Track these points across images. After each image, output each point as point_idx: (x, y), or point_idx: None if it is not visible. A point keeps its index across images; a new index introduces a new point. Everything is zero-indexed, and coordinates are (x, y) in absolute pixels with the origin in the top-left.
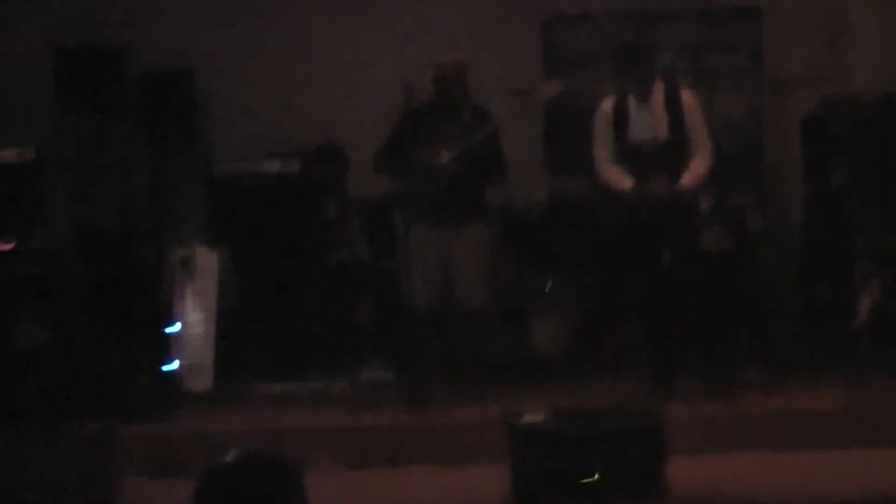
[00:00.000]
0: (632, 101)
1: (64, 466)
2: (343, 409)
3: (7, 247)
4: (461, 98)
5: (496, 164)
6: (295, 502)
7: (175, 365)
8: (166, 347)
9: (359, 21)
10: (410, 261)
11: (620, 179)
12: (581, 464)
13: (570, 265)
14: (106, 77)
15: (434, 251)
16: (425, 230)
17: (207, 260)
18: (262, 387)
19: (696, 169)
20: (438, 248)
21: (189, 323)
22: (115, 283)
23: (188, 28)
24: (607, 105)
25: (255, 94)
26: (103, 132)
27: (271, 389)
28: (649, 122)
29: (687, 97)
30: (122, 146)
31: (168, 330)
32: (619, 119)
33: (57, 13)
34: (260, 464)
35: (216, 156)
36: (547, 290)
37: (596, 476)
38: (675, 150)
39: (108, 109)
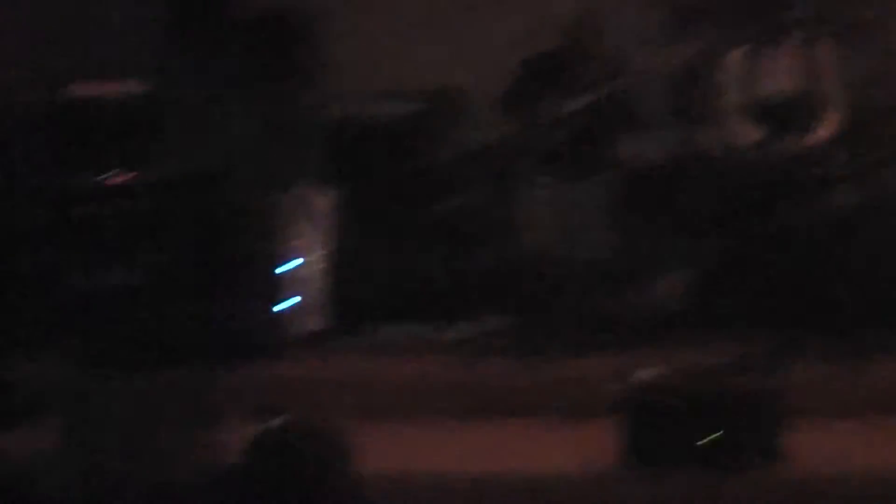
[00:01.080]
0: (762, 52)
1: (161, 414)
2: (457, 359)
3: (126, 178)
4: (592, 46)
5: (625, 118)
6: (340, 470)
7: (290, 303)
8: (278, 288)
9: None
10: (530, 209)
11: (749, 133)
12: (697, 424)
13: (694, 220)
14: (222, 13)
15: (555, 201)
16: (547, 179)
17: (322, 200)
18: (376, 330)
19: (828, 125)
20: (559, 198)
21: (303, 263)
22: (225, 223)
23: None
24: (735, 55)
25: (372, 34)
26: (219, 69)
27: (384, 333)
28: (780, 74)
29: (821, 47)
30: (237, 84)
31: (280, 270)
32: (748, 71)
33: None
34: (305, 431)
35: (332, 96)
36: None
37: (712, 438)
38: (807, 105)
39: (224, 46)
